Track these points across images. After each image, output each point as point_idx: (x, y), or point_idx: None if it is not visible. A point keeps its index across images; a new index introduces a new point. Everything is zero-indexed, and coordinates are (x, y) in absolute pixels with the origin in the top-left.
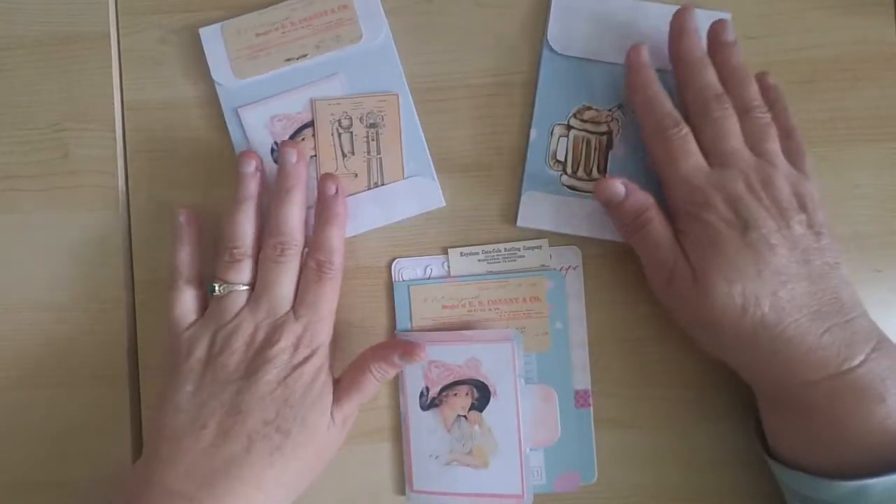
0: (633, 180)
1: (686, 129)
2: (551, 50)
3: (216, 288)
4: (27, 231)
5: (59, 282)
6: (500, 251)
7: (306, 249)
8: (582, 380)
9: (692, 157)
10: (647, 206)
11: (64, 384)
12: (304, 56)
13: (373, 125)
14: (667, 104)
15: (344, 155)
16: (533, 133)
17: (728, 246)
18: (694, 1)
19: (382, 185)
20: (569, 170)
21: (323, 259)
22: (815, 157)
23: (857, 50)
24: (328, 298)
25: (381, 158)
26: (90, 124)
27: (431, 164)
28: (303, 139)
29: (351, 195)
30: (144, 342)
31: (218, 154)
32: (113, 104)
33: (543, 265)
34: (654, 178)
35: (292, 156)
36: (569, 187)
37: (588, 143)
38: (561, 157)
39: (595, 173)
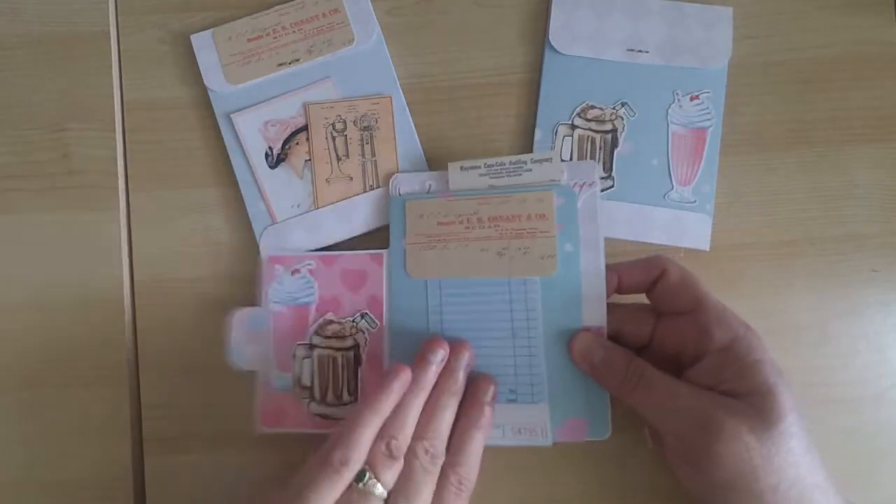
0: (636, 181)
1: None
2: (553, 49)
3: (366, 477)
4: (27, 231)
5: (59, 282)
6: (505, 165)
7: None
8: (596, 316)
9: None
10: (630, 356)
11: (64, 384)
12: (297, 60)
13: (366, 128)
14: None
15: (339, 158)
16: (537, 134)
17: None
18: None
19: (378, 187)
20: None
21: (464, 476)
22: (816, 156)
23: (857, 50)
24: None
25: (375, 161)
26: (90, 124)
27: (426, 164)
28: (297, 143)
29: (346, 199)
30: (144, 342)
31: (218, 154)
32: (113, 104)
33: (553, 180)
34: (658, 182)
35: (464, 358)
36: None
37: (593, 142)
38: (566, 157)
39: (601, 171)
